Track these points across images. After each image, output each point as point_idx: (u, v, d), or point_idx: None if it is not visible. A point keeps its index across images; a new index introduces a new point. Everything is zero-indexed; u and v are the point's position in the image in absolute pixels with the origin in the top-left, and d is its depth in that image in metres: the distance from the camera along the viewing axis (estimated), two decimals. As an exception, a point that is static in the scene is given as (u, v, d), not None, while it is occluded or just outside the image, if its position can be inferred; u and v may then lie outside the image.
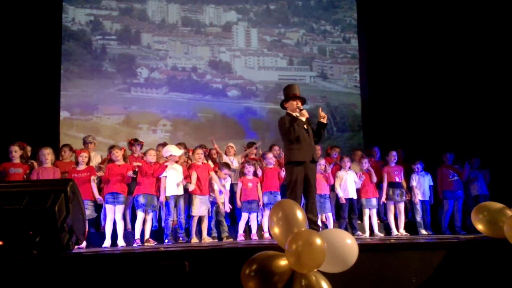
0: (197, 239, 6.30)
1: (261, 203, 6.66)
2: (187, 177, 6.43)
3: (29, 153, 6.26)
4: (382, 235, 6.98)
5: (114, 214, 6.05)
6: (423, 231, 7.05)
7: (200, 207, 6.32)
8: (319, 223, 6.57)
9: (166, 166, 6.16)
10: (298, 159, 4.96)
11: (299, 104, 5.14)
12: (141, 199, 6.06)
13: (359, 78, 10.08)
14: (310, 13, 10.32)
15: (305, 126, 5.06)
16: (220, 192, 6.58)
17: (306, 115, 5.07)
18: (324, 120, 5.12)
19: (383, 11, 9.70)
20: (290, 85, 5.32)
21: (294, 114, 5.14)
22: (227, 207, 6.64)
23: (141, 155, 6.71)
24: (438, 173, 7.42)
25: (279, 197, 6.57)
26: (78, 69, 8.92)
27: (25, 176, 5.87)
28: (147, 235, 6.13)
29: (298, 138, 4.98)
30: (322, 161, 6.79)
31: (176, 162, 6.35)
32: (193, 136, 8.80)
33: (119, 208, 6.09)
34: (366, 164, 7.18)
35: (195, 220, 6.38)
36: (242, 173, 6.84)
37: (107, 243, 5.96)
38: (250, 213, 6.65)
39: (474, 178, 7.35)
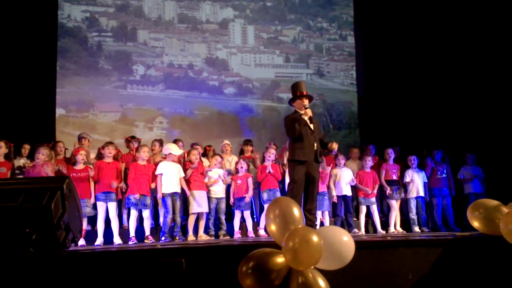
0: (194, 237, 6.29)
1: (247, 199, 6.63)
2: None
3: (27, 151, 6.24)
4: (384, 232, 6.98)
5: (105, 211, 6.05)
6: (417, 229, 7.04)
7: (199, 204, 6.32)
8: (318, 221, 6.59)
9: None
10: (300, 158, 4.96)
11: (305, 102, 5.13)
12: (132, 199, 6.06)
13: (356, 76, 10.08)
14: (307, 10, 10.31)
15: (310, 125, 5.04)
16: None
17: (309, 114, 5.05)
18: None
19: (380, 8, 9.70)
20: (297, 83, 5.29)
21: (301, 112, 5.13)
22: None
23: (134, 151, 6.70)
24: (426, 170, 7.42)
25: (278, 194, 6.57)
26: (74, 66, 8.88)
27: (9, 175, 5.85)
28: (147, 232, 6.13)
29: (300, 137, 4.97)
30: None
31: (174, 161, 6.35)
32: (190, 134, 8.79)
33: (112, 206, 6.07)
34: (369, 162, 7.15)
35: (194, 217, 6.34)
36: (235, 171, 6.84)
37: (99, 241, 5.96)
38: (243, 211, 6.66)
39: (468, 175, 7.36)
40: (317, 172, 5.13)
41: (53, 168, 5.96)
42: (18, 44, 8.03)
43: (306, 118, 5.03)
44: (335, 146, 5.17)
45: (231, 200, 6.67)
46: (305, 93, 5.16)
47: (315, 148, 5.02)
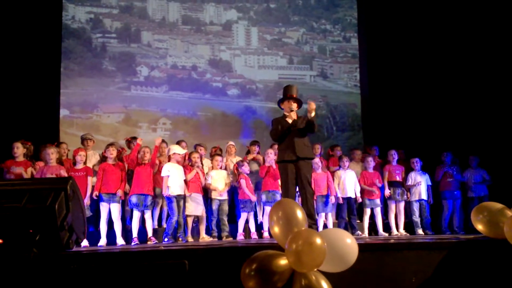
0: (192, 239, 6.30)
1: (254, 200, 6.64)
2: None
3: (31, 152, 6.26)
4: (387, 235, 6.96)
5: (108, 213, 6.06)
6: (420, 231, 7.03)
7: (194, 207, 6.32)
8: (321, 223, 6.58)
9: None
10: (282, 159, 5.12)
11: (292, 106, 5.16)
12: (133, 199, 6.11)
13: (359, 78, 10.07)
14: (311, 12, 10.31)
15: (294, 128, 5.07)
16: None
17: (293, 117, 5.12)
18: (310, 115, 4.94)
19: (384, 10, 9.70)
20: (288, 86, 5.34)
21: (286, 114, 5.21)
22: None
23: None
24: (436, 173, 7.41)
25: (278, 196, 6.55)
26: (78, 67, 8.90)
27: (25, 174, 5.87)
28: (149, 233, 6.14)
29: (283, 138, 5.09)
30: (316, 160, 6.73)
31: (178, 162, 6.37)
32: (193, 135, 8.80)
33: (115, 207, 6.08)
34: (371, 162, 7.14)
35: (190, 220, 6.37)
36: (238, 172, 6.78)
37: (102, 242, 5.98)
38: (248, 212, 6.65)
39: (471, 180, 7.34)
40: (308, 171, 5.10)
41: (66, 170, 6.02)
42: (23, 45, 8.06)
43: (290, 121, 5.08)
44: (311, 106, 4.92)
45: (254, 197, 6.58)
46: (294, 96, 5.21)
47: (296, 150, 5.01)
